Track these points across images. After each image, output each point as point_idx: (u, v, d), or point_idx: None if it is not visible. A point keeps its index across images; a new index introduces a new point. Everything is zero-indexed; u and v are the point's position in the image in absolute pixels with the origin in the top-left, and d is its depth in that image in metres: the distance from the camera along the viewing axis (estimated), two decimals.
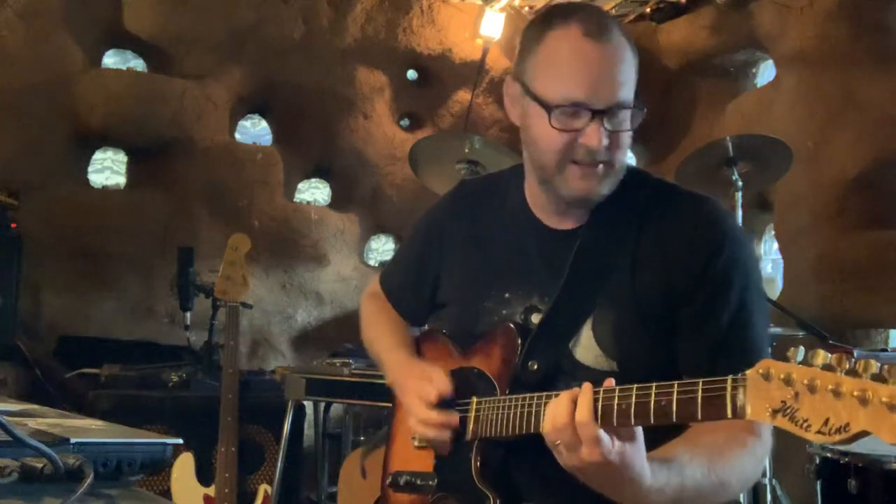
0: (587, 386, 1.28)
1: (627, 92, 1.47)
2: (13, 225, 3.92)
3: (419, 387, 1.61)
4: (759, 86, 4.94)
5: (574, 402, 1.27)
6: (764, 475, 3.09)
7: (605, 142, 1.46)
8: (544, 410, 1.36)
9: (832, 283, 4.04)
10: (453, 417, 1.57)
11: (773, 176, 3.55)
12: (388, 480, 1.70)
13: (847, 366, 1.01)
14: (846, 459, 2.34)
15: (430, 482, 1.62)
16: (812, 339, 3.23)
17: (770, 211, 4.63)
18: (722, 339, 1.47)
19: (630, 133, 1.51)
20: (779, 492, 3.15)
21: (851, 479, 2.32)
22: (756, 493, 3.15)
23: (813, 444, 2.44)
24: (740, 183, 3.32)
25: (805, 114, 4.21)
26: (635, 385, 1.24)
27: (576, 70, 1.46)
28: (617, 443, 1.24)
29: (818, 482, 2.49)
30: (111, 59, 4.89)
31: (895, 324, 3.90)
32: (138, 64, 4.92)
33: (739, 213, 3.33)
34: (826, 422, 1.01)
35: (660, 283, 1.50)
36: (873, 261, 3.96)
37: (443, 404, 1.58)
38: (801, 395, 1.03)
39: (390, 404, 1.84)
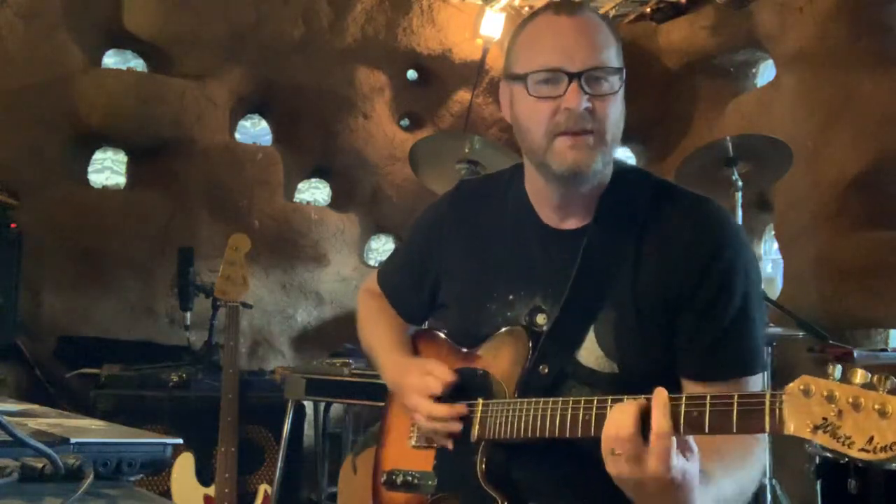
0: (663, 393, 1.23)
1: (606, 56, 1.49)
2: (13, 225, 3.92)
3: (422, 382, 1.61)
4: (759, 86, 4.93)
5: (642, 411, 1.23)
6: (764, 475, 3.09)
7: (587, 104, 1.46)
8: (585, 415, 1.34)
9: (832, 283, 4.04)
10: (460, 408, 1.57)
11: (773, 176, 3.54)
12: (383, 479, 1.69)
13: (889, 385, 1.03)
14: (846, 459, 2.34)
15: (430, 482, 1.62)
16: (812, 339, 3.23)
17: (770, 211, 4.63)
18: (720, 341, 1.47)
19: (616, 101, 1.50)
20: (779, 492, 3.15)
21: (851, 479, 2.32)
22: (756, 492, 3.15)
23: (813, 444, 2.44)
24: (740, 183, 3.32)
25: (805, 114, 4.21)
26: (643, 397, 1.24)
27: (549, 39, 1.50)
28: (682, 458, 1.21)
29: (818, 482, 2.49)
30: (111, 59, 4.89)
31: (895, 324, 3.90)
32: (138, 64, 4.92)
33: (739, 213, 3.32)
34: (870, 440, 1.02)
35: (660, 284, 1.50)
36: (873, 261, 3.96)
37: (447, 398, 1.58)
38: (845, 413, 1.05)
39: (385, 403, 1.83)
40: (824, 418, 1.06)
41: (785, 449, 3.11)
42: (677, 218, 1.53)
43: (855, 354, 3.07)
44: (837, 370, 1.07)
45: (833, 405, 1.05)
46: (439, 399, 1.59)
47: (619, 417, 1.24)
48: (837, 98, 4.09)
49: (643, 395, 1.25)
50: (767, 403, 1.13)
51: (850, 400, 1.04)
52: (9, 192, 3.96)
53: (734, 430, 1.16)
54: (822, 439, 1.06)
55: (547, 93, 1.48)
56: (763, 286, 1.57)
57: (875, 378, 1.04)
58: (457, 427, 1.57)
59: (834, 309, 3.97)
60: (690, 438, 1.23)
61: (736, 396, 1.17)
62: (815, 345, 3.19)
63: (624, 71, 1.51)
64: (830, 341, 3.18)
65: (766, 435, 1.47)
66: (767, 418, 1.12)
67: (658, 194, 1.58)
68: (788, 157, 3.35)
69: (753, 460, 1.43)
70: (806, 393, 1.08)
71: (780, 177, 3.54)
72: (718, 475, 1.33)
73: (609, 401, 1.30)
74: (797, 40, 4.25)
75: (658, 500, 1.24)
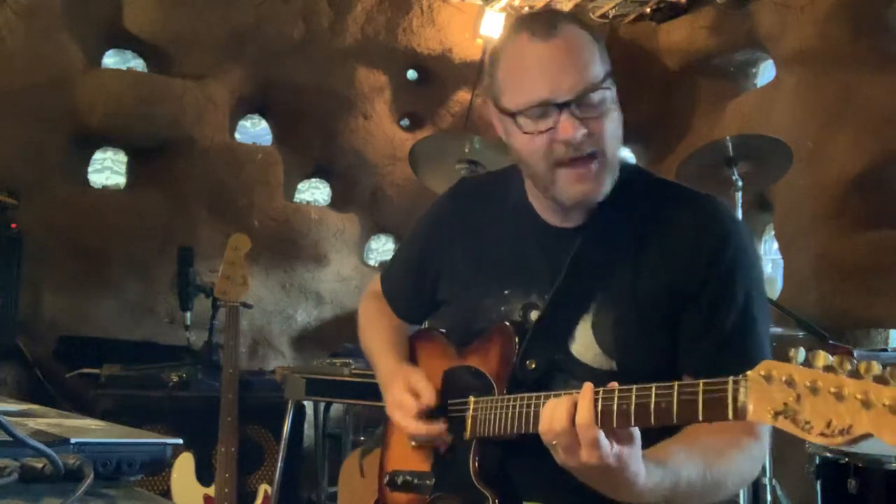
0: (588, 387, 1.27)
1: (591, 74, 1.44)
2: (13, 225, 3.93)
3: (402, 400, 1.61)
4: (759, 86, 4.94)
5: (574, 404, 1.26)
6: (764, 475, 3.09)
7: (583, 130, 1.42)
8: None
9: (832, 283, 4.04)
10: (439, 427, 1.57)
11: (773, 176, 3.54)
12: (386, 480, 1.69)
13: (849, 367, 1.01)
14: (846, 459, 2.34)
15: (428, 482, 1.62)
16: (812, 339, 3.23)
17: (770, 211, 4.63)
18: (726, 339, 1.46)
19: (613, 116, 1.46)
20: (779, 492, 3.15)
21: (851, 479, 2.32)
22: (756, 493, 3.15)
23: (813, 444, 2.44)
24: (740, 183, 3.32)
25: (805, 114, 4.21)
26: (635, 386, 1.23)
27: (531, 71, 1.45)
28: (616, 445, 1.24)
29: (818, 482, 2.49)
30: (111, 59, 4.89)
31: (895, 324, 3.90)
32: (138, 64, 4.92)
33: (739, 213, 3.32)
34: (829, 424, 1.00)
35: (662, 282, 1.49)
36: (873, 261, 3.96)
37: (430, 413, 1.58)
38: (804, 398, 1.03)
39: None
40: (785, 403, 1.05)
41: (785, 449, 3.11)
42: (679, 215, 1.53)
43: (855, 354, 3.07)
44: (800, 354, 1.05)
45: (793, 390, 1.04)
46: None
47: (552, 410, 1.28)
48: (837, 98, 4.09)
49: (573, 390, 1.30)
50: (730, 390, 1.12)
51: (808, 384, 1.02)
52: (9, 192, 3.96)
53: (700, 419, 1.16)
54: (783, 425, 1.05)
55: (540, 128, 1.45)
56: (765, 283, 1.57)
57: (835, 360, 1.02)
58: (441, 441, 1.59)
59: (834, 309, 3.97)
60: (636, 430, 1.26)
61: (701, 383, 1.16)
62: (816, 345, 3.19)
63: (610, 74, 1.48)
64: (830, 341, 3.18)
65: (768, 434, 1.48)
66: (730, 405, 1.12)
67: (658, 192, 1.58)
68: (788, 157, 3.35)
69: (737, 455, 1.42)
70: (767, 378, 1.07)
71: (780, 177, 3.54)
72: (679, 460, 1.34)
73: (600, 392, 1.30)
74: (797, 40, 4.25)
75: (601, 481, 1.29)
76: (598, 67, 1.45)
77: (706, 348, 1.47)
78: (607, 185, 1.49)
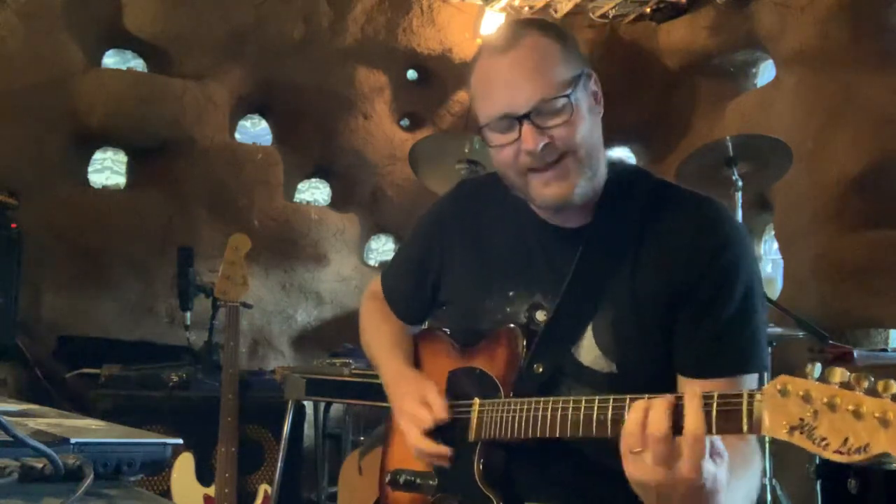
0: (697, 393, 1.15)
1: (550, 82, 1.45)
2: (13, 225, 3.92)
3: (415, 411, 1.60)
4: (759, 86, 4.94)
5: (676, 408, 1.16)
6: (764, 475, 3.09)
7: (544, 140, 1.44)
8: (589, 413, 1.29)
9: (832, 283, 4.04)
10: (445, 450, 1.57)
11: (773, 176, 3.54)
12: (388, 479, 1.69)
13: (866, 385, 1.00)
14: None
15: (431, 482, 1.62)
16: (812, 339, 3.23)
17: (770, 211, 4.63)
18: (721, 338, 1.46)
19: (579, 117, 1.46)
20: (779, 492, 3.15)
21: (851, 479, 2.32)
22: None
23: None
24: (740, 183, 3.32)
25: (805, 114, 4.21)
26: (646, 396, 1.21)
27: (490, 88, 1.51)
28: (712, 462, 1.15)
29: (818, 482, 2.49)
30: (111, 59, 4.89)
31: (895, 324, 3.90)
32: (138, 64, 4.92)
33: (739, 213, 3.33)
34: (845, 441, 1.00)
35: (660, 284, 1.49)
36: (873, 261, 3.96)
37: (438, 431, 1.58)
38: (821, 414, 1.02)
39: (388, 404, 1.83)
40: (801, 419, 1.04)
41: (785, 449, 3.10)
42: (678, 217, 1.53)
43: (855, 354, 3.07)
44: (816, 369, 1.04)
45: (809, 405, 1.03)
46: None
47: (647, 415, 1.16)
48: (837, 98, 4.09)
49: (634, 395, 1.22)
50: (745, 403, 1.11)
51: (826, 400, 1.01)
52: (9, 192, 3.96)
53: (713, 431, 1.13)
54: (798, 440, 1.04)
55: (504, 140, 1.48)
56: (763, 286, 1.56)
57: (853, 377, 1.01)
58: (442, 462, 1.58)
59: (834, 309, 3.97)
60: (718, 441, 1.17)
61: (716, 395, 1.14)
62: (815, 345, 3.19)
63: (585, 74, 1.49)
64: (830, 341, 3.17)
65: (766, 443, 1.47)
66: (745, 418, 1.10)
67: (658, 194, 1.58)
68: (788, 157, 3.35)
69: (753, 471, 1.41)
70: (783, 393, 1.06)
71: (780, 177, 3.54)
72: (729, 478, 1.27)
73: (610, 400, 1.27)
74: (797, 40, 4.25)
75: (675, 500, 1.17)
76: (560, 73, 1.46)
77: (697, 346, 1.47)
78: (582, 185, 1.49)
